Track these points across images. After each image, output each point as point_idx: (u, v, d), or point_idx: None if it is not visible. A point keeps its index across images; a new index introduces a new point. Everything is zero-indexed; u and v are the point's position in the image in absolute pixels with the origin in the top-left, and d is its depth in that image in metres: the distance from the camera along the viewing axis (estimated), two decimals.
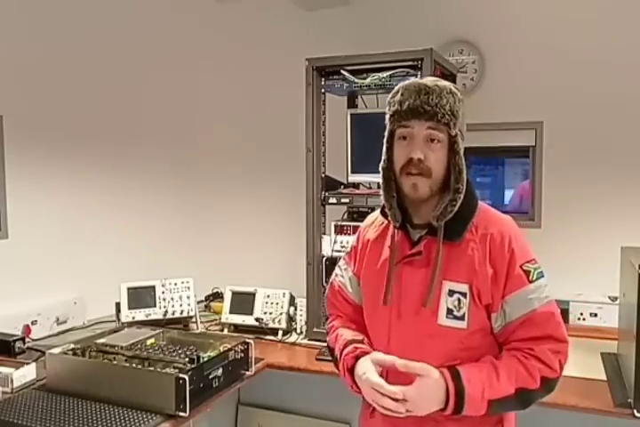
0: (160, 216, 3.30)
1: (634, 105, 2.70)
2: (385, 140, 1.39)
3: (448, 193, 1.34)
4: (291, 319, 2.71)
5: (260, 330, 2.68)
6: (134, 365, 1.95)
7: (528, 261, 1.33)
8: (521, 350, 1.32)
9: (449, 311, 1.32)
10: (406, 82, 1.36)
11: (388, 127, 1.37)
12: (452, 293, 1.32)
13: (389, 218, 1.42)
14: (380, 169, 1.40)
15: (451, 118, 1.30)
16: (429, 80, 1.35)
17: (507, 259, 1.31)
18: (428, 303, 1.33)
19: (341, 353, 1.45)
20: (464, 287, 1.32)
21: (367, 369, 1.33)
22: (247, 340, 2.15)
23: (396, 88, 1.36)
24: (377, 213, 1.54)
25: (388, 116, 1.36)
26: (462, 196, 1.33)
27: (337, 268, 1.63)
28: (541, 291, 1.32)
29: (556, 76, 2.82)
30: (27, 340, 2.38)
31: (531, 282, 1.31)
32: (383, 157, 1.39)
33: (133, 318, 2.64)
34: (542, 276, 1.33)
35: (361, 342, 1.46)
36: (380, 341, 1.44)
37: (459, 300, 1.32)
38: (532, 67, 2.86)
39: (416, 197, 1.33)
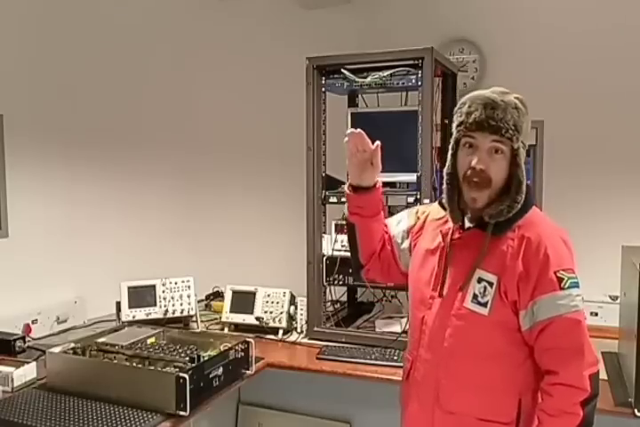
0: (160, 215, 3.29)
1: (635, 104, 2.69)
2: (450, 147, 1.46)
3: (507, 199, 1.41)
4: (291, 318, 2.71)
5: (261, 329, 2.68)
6: (134, 364, 1.95)
7: (564, 269, 1.39)
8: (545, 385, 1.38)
9: (474, 296, 1.43)
10: (474, 93, 1.42)
11: (454, 135, 1.44)
12: (480, 280, 1.43)
13: (448, 217, 1.51)
14: (445, 174, 1.48)
15: (514, 133, 1.37)
16: (496, 93, 1.40)
17: (540, 263, 1.38)
18: (464, 287, 1.45)
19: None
20: (492, 277, 1.41)
21: None
22: (247, 339, 2.15)
23: (464, 99, 1.43)
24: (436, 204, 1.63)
25: (454, 125, 1.43)
26: (520, 205, 1.41)
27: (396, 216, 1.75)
28: (571, 299, 1.37)
29: (556, 76, 2.81)
30: (27, 339, 2.37)
31: (562, 289, 1.37)
32: (448, 163, 1.47)
33: (134, 317, 2.64)
34: (576, 286, 1.39)
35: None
36: (420, 310, 1.55)
37: (485, 288, 1.42)
38: (532, 66, 2.85)
39: (474, 207, 1.44)
